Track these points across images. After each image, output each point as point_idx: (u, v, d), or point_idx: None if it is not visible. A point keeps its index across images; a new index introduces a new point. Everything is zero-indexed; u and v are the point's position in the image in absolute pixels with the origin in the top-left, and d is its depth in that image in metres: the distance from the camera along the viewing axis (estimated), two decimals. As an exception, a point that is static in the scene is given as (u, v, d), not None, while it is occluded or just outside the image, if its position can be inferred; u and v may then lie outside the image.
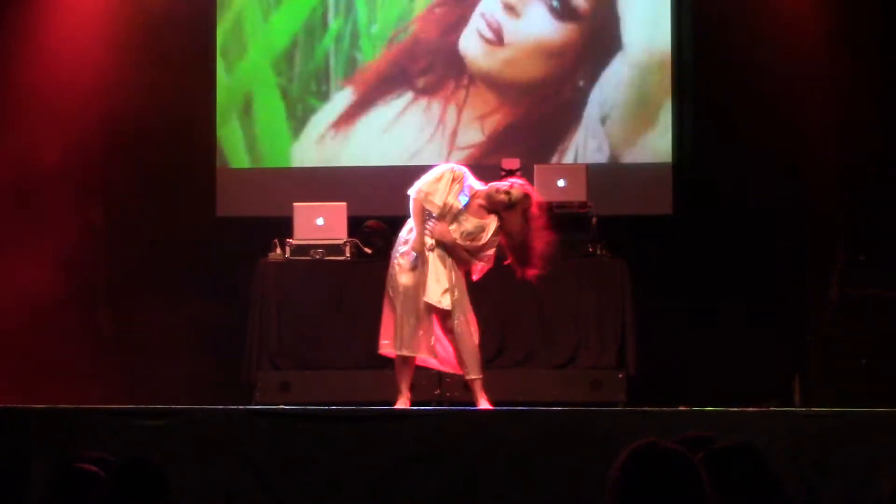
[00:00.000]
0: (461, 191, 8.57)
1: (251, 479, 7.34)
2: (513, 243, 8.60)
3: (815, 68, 11.02)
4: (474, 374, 8.53)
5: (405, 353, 8.51)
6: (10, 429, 7.43)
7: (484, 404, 8.44)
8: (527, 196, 8.58)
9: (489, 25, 11.98)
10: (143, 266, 11.72)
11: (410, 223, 8.64)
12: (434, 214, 8.55)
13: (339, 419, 7.54)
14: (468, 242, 8.59)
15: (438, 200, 8.50)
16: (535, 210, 8.60)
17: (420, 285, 8.51)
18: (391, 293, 8.58)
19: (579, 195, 10.75)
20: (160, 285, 11.52)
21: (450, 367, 8.71)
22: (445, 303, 8.52)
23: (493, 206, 8.58)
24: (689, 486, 3.50)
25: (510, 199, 8.53)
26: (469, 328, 8.56)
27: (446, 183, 8.53)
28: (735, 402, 8.35)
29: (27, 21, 11.34)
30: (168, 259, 11.71)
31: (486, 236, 8.61)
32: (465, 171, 8.66)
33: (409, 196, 8.59)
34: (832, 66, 10.89)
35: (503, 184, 8.65)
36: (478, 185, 8.65)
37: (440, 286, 8.53)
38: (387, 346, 8.63)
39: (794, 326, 11.04)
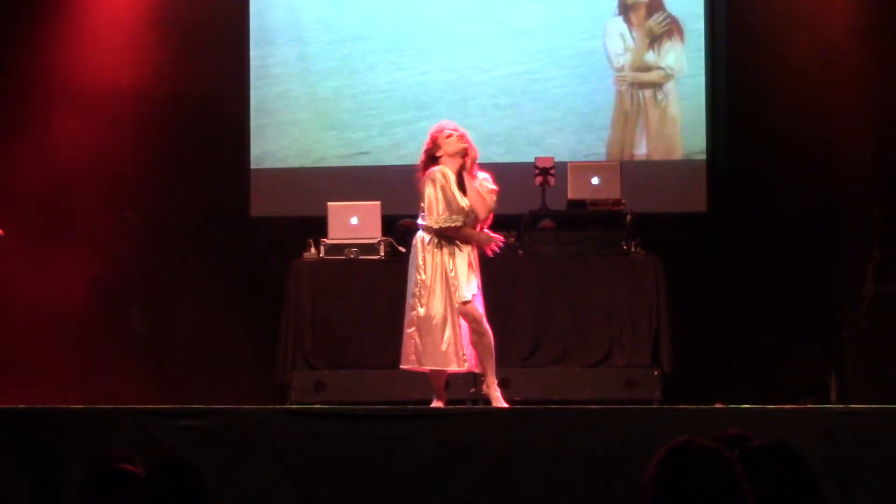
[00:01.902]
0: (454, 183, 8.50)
1: (286, 478, 7.35)
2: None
3: (849, 63, 10.97)
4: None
5: (438, 368, 8.49)
6: (45, 429, 7.46)
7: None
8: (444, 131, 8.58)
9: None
10: (177, 267, 11.75)
11: (421, 234, 8.59)
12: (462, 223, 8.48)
13: (373, 418, 7.54)
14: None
15: (454, 211, 8.44)
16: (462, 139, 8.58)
17: (451, 296, 8.43)
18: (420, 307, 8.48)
19: (613, 193, 10.70)
20: (194, 286, 11.56)
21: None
22: (469, 294, 8.46)
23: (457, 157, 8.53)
24: (726, 484, 3.49)
25: (459, 142, 8.50)
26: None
27: (444, 193, 8.47)
28: (771, 399, 8.33)
29: (58, 20, 11.38)
30: (202, 259, 11.74)
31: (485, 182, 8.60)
32: (443, 169, 8.54)
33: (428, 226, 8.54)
34: (867, 61, 10.84)
35: (451, 146, 8.55)
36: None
37: (470, 287, 8.47)
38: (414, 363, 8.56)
39: (829, 323, 10.99)
